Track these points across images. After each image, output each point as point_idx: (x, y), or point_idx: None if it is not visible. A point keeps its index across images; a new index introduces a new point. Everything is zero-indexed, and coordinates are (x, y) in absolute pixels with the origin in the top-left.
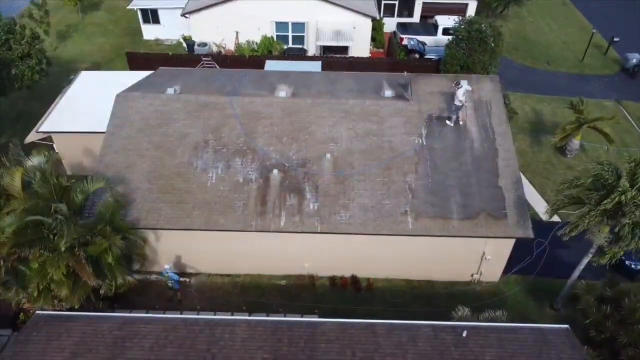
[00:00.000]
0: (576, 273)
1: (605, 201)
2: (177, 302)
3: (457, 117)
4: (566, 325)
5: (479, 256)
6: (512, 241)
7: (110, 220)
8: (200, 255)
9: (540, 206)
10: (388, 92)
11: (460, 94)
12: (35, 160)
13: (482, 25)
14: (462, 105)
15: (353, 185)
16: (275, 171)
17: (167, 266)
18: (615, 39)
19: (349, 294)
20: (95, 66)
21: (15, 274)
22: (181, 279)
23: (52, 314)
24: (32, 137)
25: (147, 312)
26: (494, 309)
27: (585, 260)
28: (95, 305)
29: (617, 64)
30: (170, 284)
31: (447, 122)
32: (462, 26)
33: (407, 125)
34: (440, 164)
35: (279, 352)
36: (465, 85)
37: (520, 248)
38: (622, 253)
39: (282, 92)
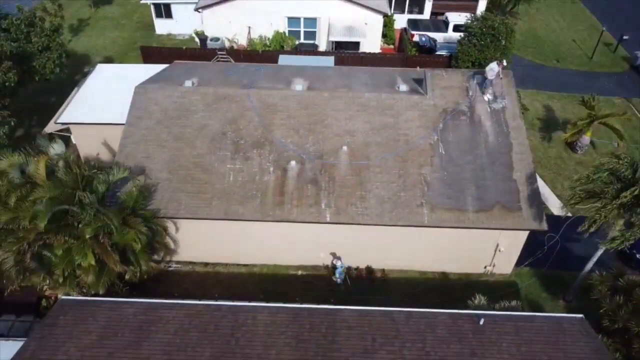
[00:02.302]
0: (589, 265)
1: (623, 194)
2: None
3: (487, 88)
4: (581, 315)
5: (492, 248)
6: (526, 233)
7: (133, 209)
8: (218, 245)
9: (551, 201)
10: (403, 87)
11: (490, 70)
12: (57, 149)
13: (496, 21)
14: (492, 80)
15: (369, 177)
16: (292, 162)
17: (338, 263)
18: (625, 37)
19: (364, 285)
20: (109, 60)
21: (40, 259)
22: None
23: (76, 299)
24: (50, 127)
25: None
26: (508, 300)
27: (600, 252)
28: (118, 290)
29: (626, 62)
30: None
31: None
32: (475, 22)
33: (423, 118)
34: (455, 157)
35: (301, 337)
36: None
37: (532, 242)
38: (632, 240)
39: (299, 85)
